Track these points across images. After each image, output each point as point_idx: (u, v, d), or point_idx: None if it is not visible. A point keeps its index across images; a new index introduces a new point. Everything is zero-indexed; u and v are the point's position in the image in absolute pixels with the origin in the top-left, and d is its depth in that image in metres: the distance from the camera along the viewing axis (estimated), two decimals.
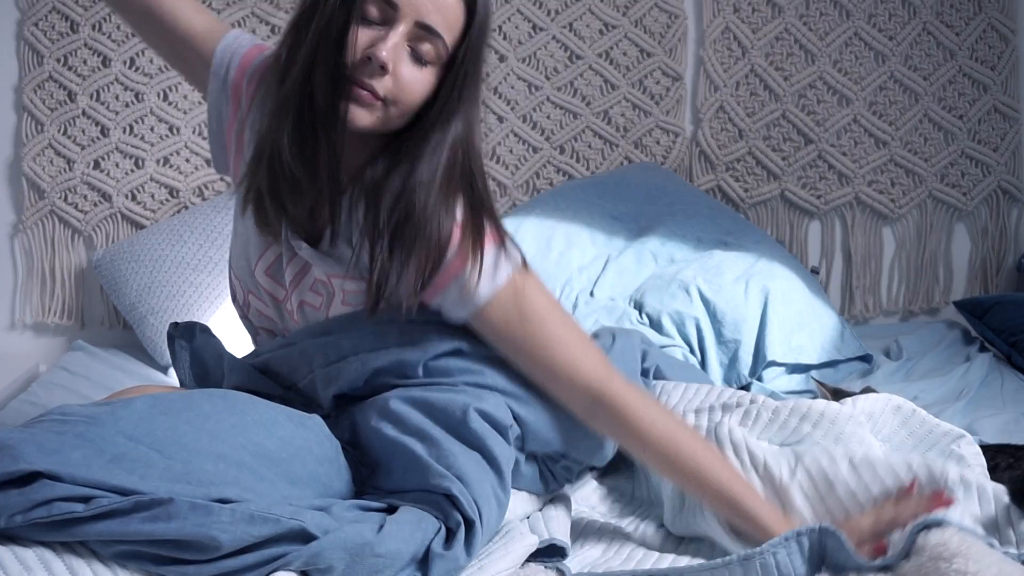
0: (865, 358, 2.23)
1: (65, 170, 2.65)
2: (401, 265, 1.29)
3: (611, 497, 1.51)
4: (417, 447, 1.25)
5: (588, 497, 1.49)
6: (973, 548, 1.04)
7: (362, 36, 1.25)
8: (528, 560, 1.24)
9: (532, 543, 1.24)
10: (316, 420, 1.30)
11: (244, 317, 1.53)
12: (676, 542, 1.37)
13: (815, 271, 2.69)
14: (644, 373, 1.59)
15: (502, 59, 2.70)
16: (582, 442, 1.42)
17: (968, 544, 1.05)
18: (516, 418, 1.35)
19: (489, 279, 1.32)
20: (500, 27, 2.70)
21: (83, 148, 2.65)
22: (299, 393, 1.40)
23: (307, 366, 1.37)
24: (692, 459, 1.27)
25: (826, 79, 2.70)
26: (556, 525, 1.32)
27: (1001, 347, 2.28)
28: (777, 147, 2.72)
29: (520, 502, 1.37)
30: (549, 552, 1.26)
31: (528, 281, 1.34)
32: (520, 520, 1.35)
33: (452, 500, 1.20)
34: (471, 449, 1.27)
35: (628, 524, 1.42)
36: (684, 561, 1.26)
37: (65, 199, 2.66)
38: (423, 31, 1.26)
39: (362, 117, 1.27)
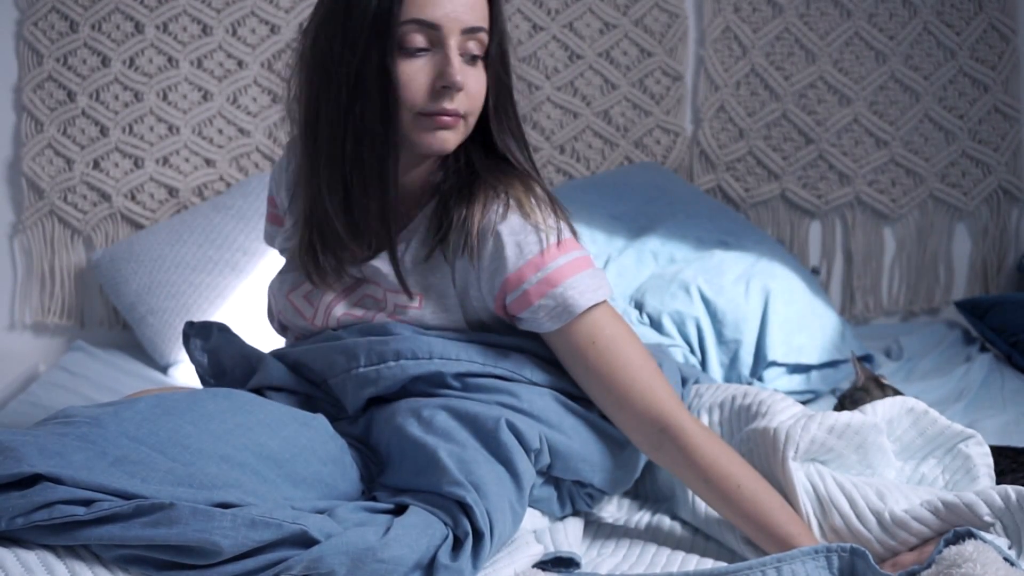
0: (866, 358, 2.23)
1: (64, 170, 2.65)
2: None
3: (617, 496, 1.51)
4: (440, 448, 1.23)
5: (596, 500, 1.49)
6: (984, 555, 1.06)
7: (417, 69, 1.27)
8: (534, 567, 1.23)
9: (537, 552, 1.23)
10: (320, 420, 1.30)
11: (276, 321, 1.53)
12: (692, 534, 1.37)
13: (815, 271, 2.69)
14: (683, 383, 1.58)
15: None
16: (612, 474, 1.41)
17: (981, 551, 1.06)
18: (548, 446, 1.33)
19: (591, 292, 1.33)
20: None
21: (83, 148, 2.64)
22: (327, 392, 1.39)
23: (346, 363, 1.35)
24: (751, 498, 1.27)
25: (826, 79, 2.70)
26: (564, 537, 1.31)
27: (1002, 347, 2.28)
28: (777, 147, 2.72)
29: (531, 517, 1.35)
30: (559, 564, 1.25)
31: (611, 306, 1.36)
32: (528, 532, 1.33)
33: (464, 508, 1.18)
34: (497, 461, 1.25)
35: (640, 522, 1.42)
36: (709, 562, 1.27)
37: (64, 199, 2.65)
38: (468, 34, 1.28)
39: (450, 140, 1.31)
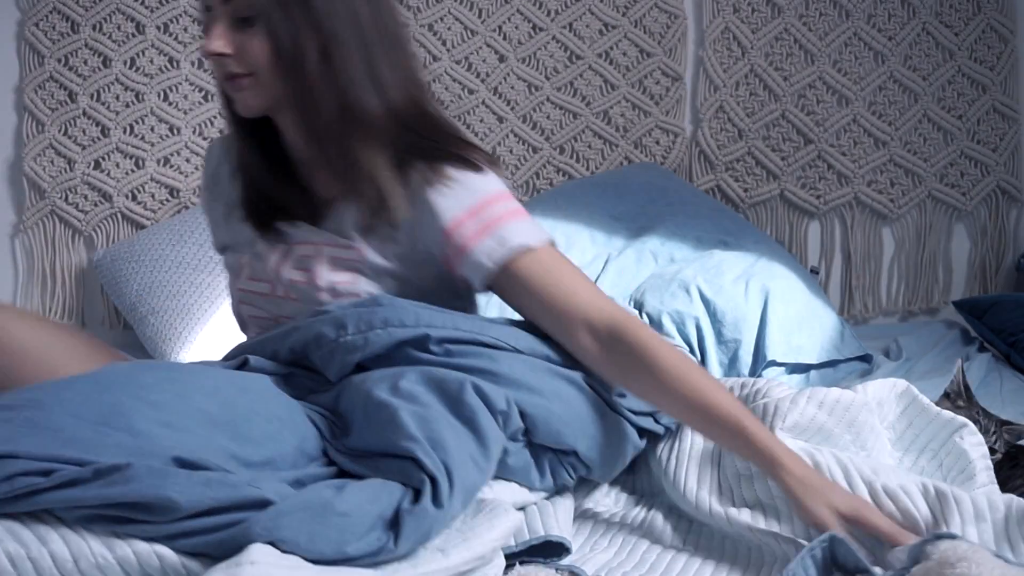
0: (865, 358, 2.24)
1: (66, 170, 2.65)
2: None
3: (614, 490, 1.51)
4: (402, 409, 1.23)
5: (591, 491, 1.49)
6: (979, 554, 1.05)
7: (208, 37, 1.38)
8: (527, 559, 1.23)
9: (518, 518, 1.22)
10: (260, 380, 1.31)
11: (244, 330, 1.59)
12: (685, 532, 1.37)
13: (814, 271, 2.69)
14: None
15: (502, 59, 2.71)
16: (597, 441, 1.40)
17: (975, 550, 1.06)
18: (523, 411, 1.33)
19: (529, 234, 1.39)
20: (500, 27, 2.71)
21: (84, 148, 2.65)
22: (307, 367, 1.40)
23: (334, 332, 1.36)
24: (702, 396, 1.30)
25: (825, 79, 2.71)
26: (555, 521, 1.31)
27: (1000, 347, 2.28)
28: (777, 147, 2.73)
29: (510, 491, 1.34)
30: (548, 551, 1.25)
31: (555, 250, 1.43)
32: (507, 503, 1.32)
33: (416, 462, 1.18)
34: (459, 421, 1.26)
35: (635, 516, 1.42)
36: (698, 561, 1.27)
37: (66, 199, 2.66)
38: (226, 3, 1.36)
39: (247, 101, 1.39)
